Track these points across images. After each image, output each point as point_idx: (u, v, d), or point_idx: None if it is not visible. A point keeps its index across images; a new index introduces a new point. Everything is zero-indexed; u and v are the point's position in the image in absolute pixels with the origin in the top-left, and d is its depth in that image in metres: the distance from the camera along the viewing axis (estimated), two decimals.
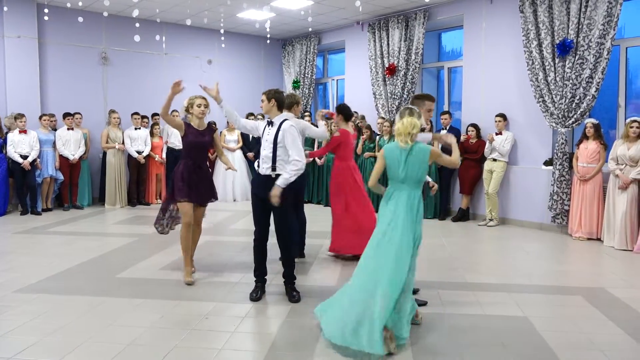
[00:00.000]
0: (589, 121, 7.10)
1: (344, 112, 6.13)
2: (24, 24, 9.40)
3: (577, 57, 7.18)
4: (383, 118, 9.61)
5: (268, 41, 11.68)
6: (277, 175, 4.38)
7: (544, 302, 4.58)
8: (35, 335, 3.68)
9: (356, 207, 5.88)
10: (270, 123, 4.53)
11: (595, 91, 7.09)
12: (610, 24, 6.85)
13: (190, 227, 5.07)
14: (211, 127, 5.19)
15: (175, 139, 10.34)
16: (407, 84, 9.76)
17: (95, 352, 3.42)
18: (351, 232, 5.78)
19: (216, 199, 5.31)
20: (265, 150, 4.47)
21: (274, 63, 12.89)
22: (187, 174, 4.97)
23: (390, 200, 3.80)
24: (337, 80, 12.30)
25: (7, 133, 8.75)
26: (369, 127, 9.65)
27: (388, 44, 10.10)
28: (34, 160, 8.78)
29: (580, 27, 7.17)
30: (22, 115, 8.73)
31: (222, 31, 10.21)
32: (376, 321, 3.33)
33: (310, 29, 11.20)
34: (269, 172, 4.43)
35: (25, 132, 8.72)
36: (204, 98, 5.03)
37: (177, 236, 7.10)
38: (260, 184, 4.48)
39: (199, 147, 5.04)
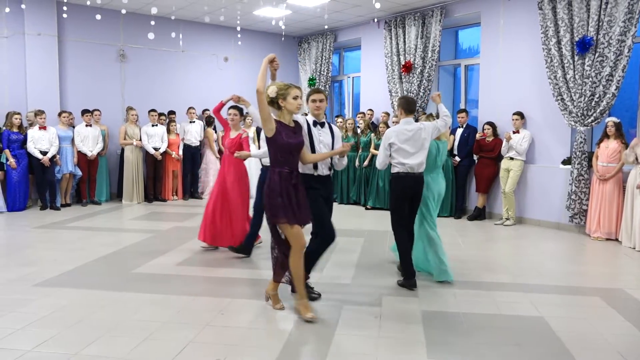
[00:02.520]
0: (610, 120, 6.99)
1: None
2: (44, 22, 9.53)
3: (597, 55, 7.08)
4: (397, 116, 9.56)
5: (283, 39, 11.69)
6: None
7: (560, 302, 4.53)
8: (54, 329, 3.74)
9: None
10: (319, 124, 4.35)
11: (615, 89, 6.98)
12: (631, 21, 6.74)
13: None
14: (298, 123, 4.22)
15: (191, 137, 10.44)
16: (424, 81, 9.71)
17: (112, 346, 3.47)
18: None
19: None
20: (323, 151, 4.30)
21: (290, 60, 12.90)
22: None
23: None
24: (352, 77, 12.27)
25: (27, 129, 8.90)
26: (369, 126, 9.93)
27: (404, 41, 10.05)
28: (54, 156, 8.91)
29: (600, 24, 7.06)
30: (42, 112, 8.87)
31: (238, 28, 10.25)
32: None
33: (326, 26, 11.19)
34: (327, 172, 4.38)
35: (45, 128, 8.86)
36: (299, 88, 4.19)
37: (193, 231, 7.19)
38: (324, 184, 4.36)
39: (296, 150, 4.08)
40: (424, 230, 5.09)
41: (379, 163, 4.95)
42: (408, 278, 4.80)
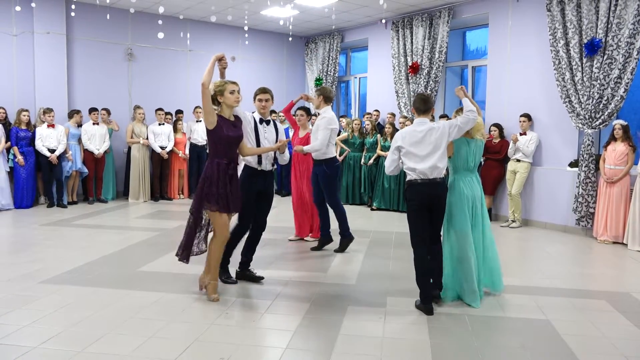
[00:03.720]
0: (618, 122, 6.95)
1: None
2: (53, 20, 9.58)
3: (605, 57, 7.04)
4: (405, 117, 9.56)
5: (290, 39, 11.71)
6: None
7: (566, 306, 4.50)
8: (60, 326, 3.76)
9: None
10: (265, 121, 4.86)
11: (623, 92, 6.94)
12: None
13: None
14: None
15: (198, 136, 10.47)
16: (431, 82, 9.69)
17: (117, 344, 3.48)
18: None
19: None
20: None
21: (297, 60, 12.91)
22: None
23: None
24: (359, 78, 12.27)
25: (35, 127, 8.95)
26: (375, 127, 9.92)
27: (412, 42, 10.03)
28: (64, 153, 8.96)
29: (609, 26, 7.02)
30: (51, 110, 8.92)
31: (245, 28, 10.27)
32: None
33: (333, 27, 11.19)
34: (270, 167, 4.85)
35: (53, 126, 8.90)
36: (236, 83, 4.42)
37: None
38: (264, 179, 4.85)
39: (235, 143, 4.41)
40: (451, 245, 4.42)
41: (387, 168, 4.43)
42: (424, 303, 4.19)
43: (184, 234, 4.47)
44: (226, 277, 4.86)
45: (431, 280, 4.31)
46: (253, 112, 4.85)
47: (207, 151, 10.72)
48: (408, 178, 4.27)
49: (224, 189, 4.24)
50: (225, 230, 4.35)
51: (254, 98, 4.84)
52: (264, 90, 4.81)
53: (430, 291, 4.25)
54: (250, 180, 4.73)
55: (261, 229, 4.96)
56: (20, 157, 8.68)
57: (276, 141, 4.79)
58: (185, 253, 4.43)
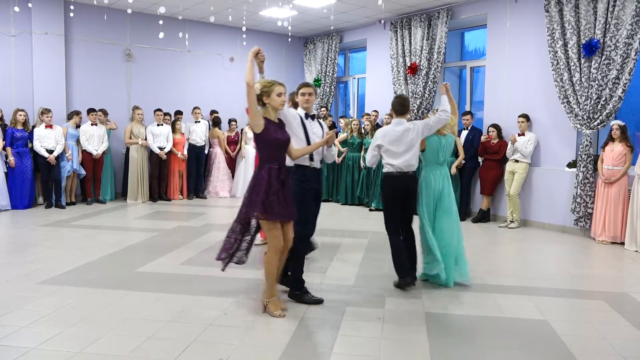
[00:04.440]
0: (615, 123, 6.97)
1: None
2: (51, 21, 9.57)
3: (603, 58, 7.05)
4: None
5: (289, 39, 11.70)
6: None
7: (565, 306, 4.51)
8: (58, 326, 3.76)
9: None
10: (310, 116, 4.47)
11: (621, 92, 6.95)
12: (638, 24, 6.71)
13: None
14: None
15: (196, 136, 10.46)
16: (429, 83, 9.70)
17: (116, 344, 3.48)
18: None
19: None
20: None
21: (296, 61, 12.91)
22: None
23: None
24: (358, 78, 12.28)
25: (33, 127, 8.93)
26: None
27: (410, 42, 10.04)
28: (63, 153, 8.95)
29: (607, 27, 7.04)
30: (49, 111, 8.90)
31: (244, 29, 10.25)
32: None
33: (332, 27, 11.19)
34: (320, 165, 4.51)
35: (51, 127, 8.88)
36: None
37: (197, 231, 7.21)
38: (317, 177, 4.49)
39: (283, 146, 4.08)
40: (422, 232, 4.96)
41: (368, 161, 4.96)
42: (401, 277, 4.75)
43: (225, 239, 4.12)
44: (308, 297, 4.37)
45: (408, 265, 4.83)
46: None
47: (206, 152, 10.79)
48: (385, 170, 4.82)
49: (275, 195, 3.89)
50: (278, 241, 3.98)
51: (296, 93, 4.56)
52: (306, 84, 4.52)
53: (407, 270, 4.75)
54: (305, 180, 4.34)
55: (309, 235, 4.56)
56: (12, 159, 8.61)
57: (322, 136, 4.46)
58: (225, 259, 4.11)
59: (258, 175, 3.97)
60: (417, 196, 4.89)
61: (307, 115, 4.45)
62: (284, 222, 4.03)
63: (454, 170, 8.43)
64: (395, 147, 4.73)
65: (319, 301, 4.37)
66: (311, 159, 4.34)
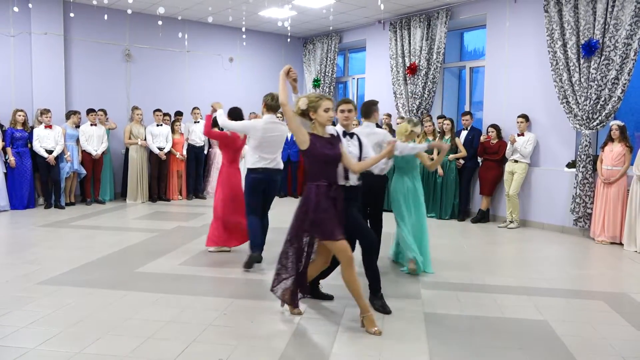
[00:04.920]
0: (615, 123, 6.97)
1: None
2: (51, 21, 9.56)
3: (602, 58, 7.06)
4: (402, 117, 9.57)
5: (289, 39, 11.70)
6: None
7: (564, 306, 4.52)
8: (57, 327, 3.75)
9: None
10: (349, 134, 4.24)
11: (621, 93, 6.96)
12: (637, 24, 6.72)
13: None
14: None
15: (196, 137, 10.45)
16: (428, 83, 9.70)
17: (116, 345, 3.48)
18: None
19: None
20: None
21: (295, 61, 12.90)
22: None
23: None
24: (357, 79, 12.28)
25: (33, 128, 8.92)
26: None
27: (409, 43, 10.05)
28: (62, 154, 8.94)
29: (606, 27, 7.04)
30: (48, 111, 8.90)
31: (243, 29, 10.27)
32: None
33: (331, 28, 11.19)
34: (357, 182, 4.22)
35: (50, 127, 8.88)
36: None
37: (196, 231, 7.20)
38: (355, 195, 4.23)
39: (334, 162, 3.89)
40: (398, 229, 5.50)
41: None
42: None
43: (278, 264, 3.98)
44: (320, 293, 4.48)
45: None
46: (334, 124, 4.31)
47: (206, 152, 10.78)
48: None
49: (326, 213, 3.74)
50: (347, 252, 3.77)
51: (335, 109, 4.25)
52: (346, 101, 4.29)
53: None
54: (346, 199, 4.01)
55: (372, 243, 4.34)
56: (12, 159, 8.61)
57: (360, 156, 4.19)
58: (291, 296, 3.98)
59: (306, 194, 3.83)
60: (392, 196, 5.50)
61: (345, 134, 4.21)
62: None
63: (451, 157, 8.60)
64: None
65: (329, 297, 4.54)
66: (346, 177, 4.01)
